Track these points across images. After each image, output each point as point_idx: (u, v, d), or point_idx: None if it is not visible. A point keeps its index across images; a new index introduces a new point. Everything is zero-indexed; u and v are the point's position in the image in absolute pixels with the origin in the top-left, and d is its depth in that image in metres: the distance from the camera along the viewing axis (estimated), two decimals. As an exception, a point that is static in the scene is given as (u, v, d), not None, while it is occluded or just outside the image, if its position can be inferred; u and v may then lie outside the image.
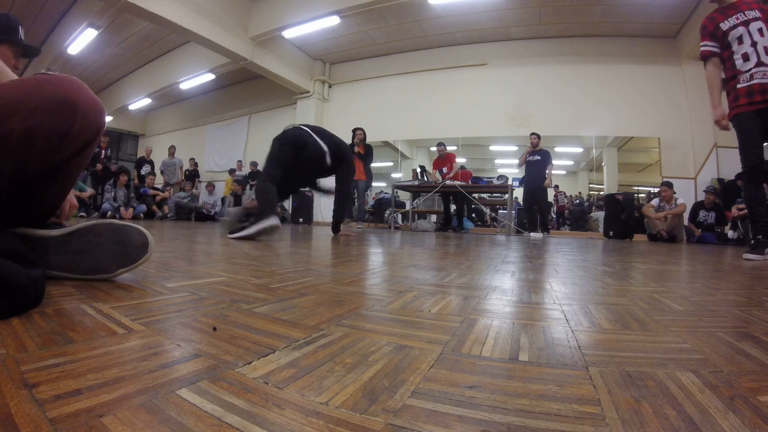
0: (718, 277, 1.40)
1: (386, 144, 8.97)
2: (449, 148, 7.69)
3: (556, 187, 8.81)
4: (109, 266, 0.79)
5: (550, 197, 8.78)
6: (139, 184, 7.35)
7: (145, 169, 7.97)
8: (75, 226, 0.79)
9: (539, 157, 5.75)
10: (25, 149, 0.65)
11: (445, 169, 6.37)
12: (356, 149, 5.80)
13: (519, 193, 8.50)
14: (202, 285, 0.84)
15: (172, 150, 8.77)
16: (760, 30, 2.41)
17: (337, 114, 8.61)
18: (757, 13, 2.42)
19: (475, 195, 6.28)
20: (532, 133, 5.89)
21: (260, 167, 9.20)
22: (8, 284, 0.52)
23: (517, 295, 0.89)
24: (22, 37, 1.18)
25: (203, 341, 0.48)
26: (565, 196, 9.07)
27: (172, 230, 3.21)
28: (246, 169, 9.08)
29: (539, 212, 5.87)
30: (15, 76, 0.73)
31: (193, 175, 8.96)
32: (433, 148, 10.22)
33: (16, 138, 0.62)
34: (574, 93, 7.11)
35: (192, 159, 9.40)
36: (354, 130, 5.95)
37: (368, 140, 6.18)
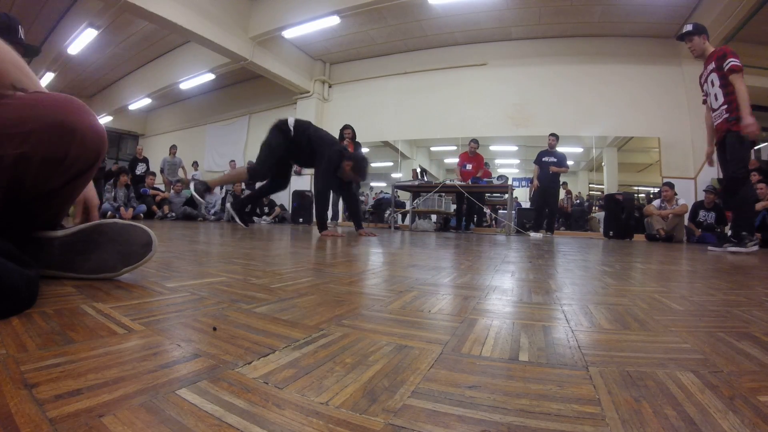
0: (718, 277, 1.40)
1: (386, 144, 8.98)
2: (449, 148, 7.69)
3: (564, 184, 8.81)
4: (114, 265, 0.80)
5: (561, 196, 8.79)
6: (133, 185, 7.32)
7: (140, 169, 7.93)
8: (78, 226, 0.79)
9: (554, 159, 5.77)
10: (18, 174, 0.62)
11: (469, 166, 6.39)
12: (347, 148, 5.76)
13: (519, 192, 8.50)
14: (202, 285, 0.84)
15: (173, 150, 8.77)
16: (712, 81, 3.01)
17: (337, 114, 8.60)
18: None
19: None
20: (551, 135, 5.91)
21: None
22: (2, 284, 0.52)
23: (517, 295, 0.89)
24: (22, 37, 1.18)
25: (203, 341, 0.48)
26: (568, 196, 9.05)
27: (172, 230, 3.21)
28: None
29: (548, 213, 5.87)
30: (36, 79, 0.68)
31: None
32: (435, 148, 10.30)
33: (9, 162, 0.60)
34: (574, 93, 7.11)
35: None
36: (342, 130, 5.84)
37: (368, 140, 6.16)
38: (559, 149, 5.97)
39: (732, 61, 2.83)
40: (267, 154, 3.44)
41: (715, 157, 3.20)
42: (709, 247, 3.33)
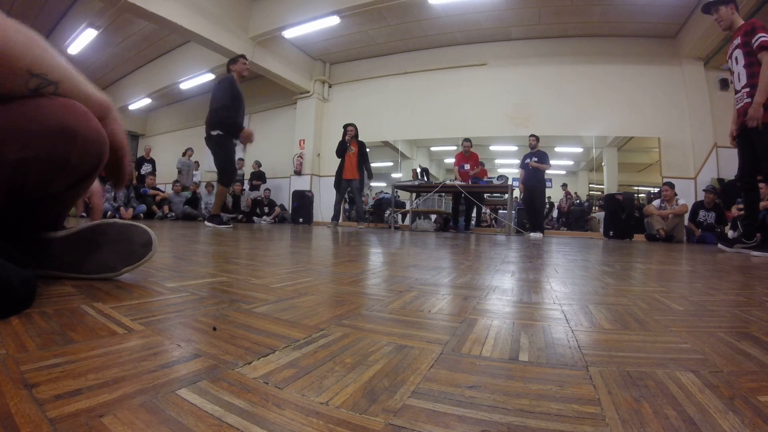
0: (718, 277, 1.40)
1: (386, 144, 8.97)
2: (449, 148, 7.69)
3: (565, 185, 8.81)
4: (114, 265, 0.80)
5: (558, 197, 8.79)
6: (138, 184, 7.35)
7: (146, 169, 7.97)
8: (78, 226, 0.80)
9: (536, 159, 5.85)
10: (19, 178, 0.61)
11: (467, 166, 6.41)
12: (350, 146, 5.81)
13: (519, 192, 8.54)
14: (202, 285, 0.84)
15: (189, 152, 8.82)
16: (736, 58, 2.70)
17: (337, 114, 8.61)
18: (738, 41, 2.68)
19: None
20: (531, 135, 5.97)
21: (264, 168, 9.20)
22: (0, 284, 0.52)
23: (517, 295, 0.89)
24: None
25: (203, 341, 0.48)
26: (567, 197, 9.05)
27: (172, 230, 3.21)
28: (248, 169, 9.08)
29: (535, 211, 5.91)
30: (59, 62, 0.63)
31: (259, 176, 8.90)
32: (435, 148, 10.29)
33: (9, 167, 0.59)
34: (574, 93, 7.11)
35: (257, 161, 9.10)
36: (345, 127, 5.92)
37: (368, 140, 6.16)
38: (560, 149, 5.98)
39: (762, 37, 2.51)
40: (228, 158, 4.00)
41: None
42: (720, 245, 3.20)
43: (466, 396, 0.36)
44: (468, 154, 6.47)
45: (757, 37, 2.53)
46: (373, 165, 6.25)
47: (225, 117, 3.86)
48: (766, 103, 2.53)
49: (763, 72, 2.49)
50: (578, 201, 8.97)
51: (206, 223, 4.17)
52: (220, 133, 3.85)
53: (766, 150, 2.58)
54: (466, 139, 6.52)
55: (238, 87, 3.99)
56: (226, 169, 3.98)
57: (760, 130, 2.55)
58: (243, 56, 4.23)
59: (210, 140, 3.92)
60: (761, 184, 4.61)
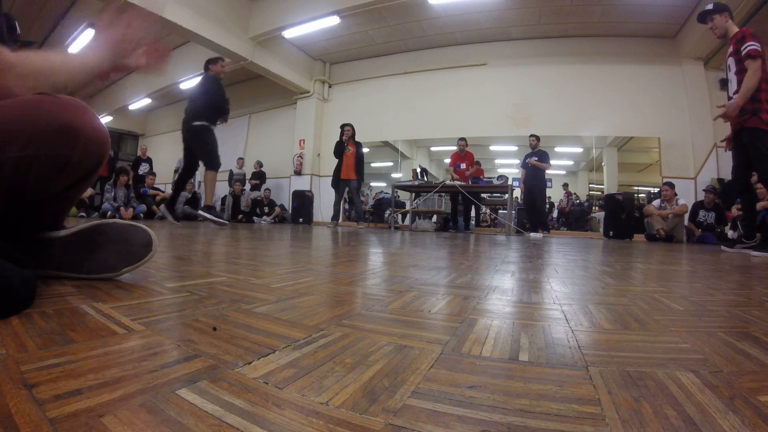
0: (718, 277, 1.40)
1: (386, 144, 8.97)
2: (449, 148, 7.69)
3: (566, 185, 8.81)
4: (114, 265, 0.80)
5: (558, 197, 8.79)
6: (137, 185, 7.34)
7: (143, 169, 7.96)
8: (79, 226, 0.80)
9: (536, 158, 5.87)
10: (19, 178, 0.61)
11: (463, 165, 6.43)
12: (347, 146, 5.83)
13: (519, 193, 8.56)
14: (202, 285, 0.84)
15: None
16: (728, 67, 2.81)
17: (337, 114, 8.61)
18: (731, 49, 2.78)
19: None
20: (531, 135, 5.99)
21: (264, 168, 9.15)
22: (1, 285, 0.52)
23: (517, 295, 0.89)
24: (18, 32, 1.17)
25: (203, 341, 0.48)
26: (568, 197, 9.05)
27: (172, 230, 3.21)
28: (249, 168, 9.05)
29: (536, 211, 5.92)
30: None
31: (260, 176, 8.90)
32: (435, 148, 10.29)
33: (11, 165, 0.59)
34: (574, 93, 7.10)
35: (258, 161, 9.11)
36: (342, 127, 5.96)
37: (368, 140, 6.16)
38: (560, 149, 5.99)
39: (750, 45, 2.58)
40: (214, 145, 4.13)
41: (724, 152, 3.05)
42: (723, 246, 3.27)
43: (466, 396, 0.36)
44: (463, 153, 6.47)
45: (746, 45, 2.61)
46: (373, 165, 6.27)
47: (227, 109, 4.20)
48: (748, 106, 2.62)
49: (747, 78, 2.59)
50: (578, 201, 8.96)
51: (200, 212, 4.26)
52: (204, 123, 4.06)
53: (756, 152, 2.66)
54: (461, 138, 6.53)
55: None
56: (216, 153, 4.17)
57: (747, 132, 2.66)
58: (221, 58, 4.53)
59: (191, 130, 4.07)
60: (759, 185, 4.63)
